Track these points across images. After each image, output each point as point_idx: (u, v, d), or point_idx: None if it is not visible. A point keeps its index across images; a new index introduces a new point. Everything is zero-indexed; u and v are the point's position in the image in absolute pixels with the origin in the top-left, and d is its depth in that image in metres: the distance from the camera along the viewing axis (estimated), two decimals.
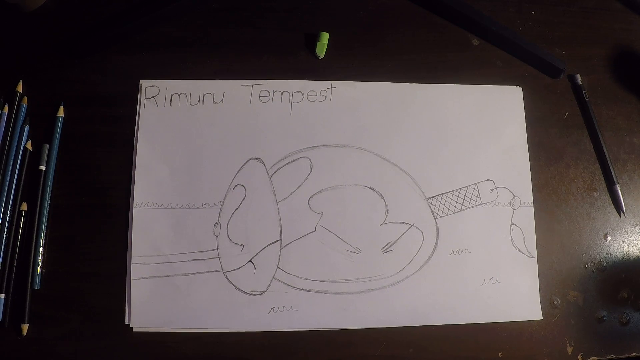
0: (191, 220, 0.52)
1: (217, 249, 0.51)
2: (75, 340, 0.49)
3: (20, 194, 0.52)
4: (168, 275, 0.51)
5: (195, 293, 0.50)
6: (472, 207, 0.54)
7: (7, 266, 0.50)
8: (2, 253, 0.50)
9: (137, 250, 0.51)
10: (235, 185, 0.53)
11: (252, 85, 0.55)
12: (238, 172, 0.53)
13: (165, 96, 0.55)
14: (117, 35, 0.56)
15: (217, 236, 0.52)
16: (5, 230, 0.51)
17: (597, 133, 0.57)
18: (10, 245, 0.50)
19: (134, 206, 0.52)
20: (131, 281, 0.50)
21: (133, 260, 0.51)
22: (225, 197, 0.53)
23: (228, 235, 0.52)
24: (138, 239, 0.51)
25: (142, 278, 0.50)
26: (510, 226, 0.54)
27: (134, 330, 0.50)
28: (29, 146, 0.53)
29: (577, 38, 0.60)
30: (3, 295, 0.49)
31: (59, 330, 0.49)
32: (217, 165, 0.53)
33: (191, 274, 0.51)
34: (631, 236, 0.55)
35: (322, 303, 0.51)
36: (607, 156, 0.56)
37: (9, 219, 0.51)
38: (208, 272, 0.51)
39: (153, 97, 0.55)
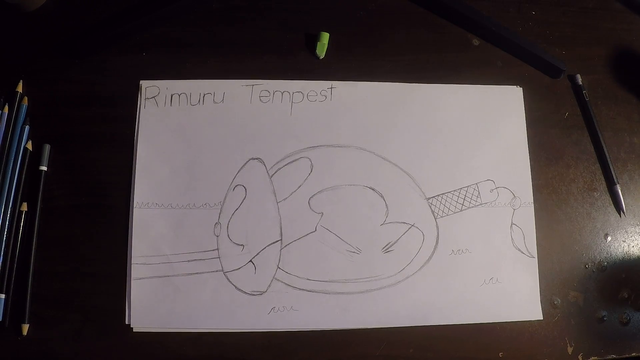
0: (191, 220, 0.52)
1: (218, 249, 0.51)
2: (75, 340, 0.49)
3: (20, 195, 0.52)
4: (168, 276, 0.51)
5: (195, 293, 0.50)
6: (472, 207, 0.54)
7: (8, 266, 0.50)
8: (2, 253, 0.50)
9: (137, 251, 0.51)
10: (236, 186, 0.53)
11: (253, 85, 0.55)
12: (238, 172, 0.53)
13: (165, 96, 0.55)
14: (117, 35, 0.56)
15: (217, 236, 0.52)
16: (6, 230, 0.50)
17: (597, 133, 0.57)
18: (11, 246, 0.50)
19: (134, 206, 0.52)
20: (131, 281, 0.50)
21: (133, 261, 0.51)
22: (225, 197, 0.53)
23: (228, 235, 0.52)
24: (138, 239, 0.51)
25: (143, 278, 0.50)
26: (511, 226, 0.54)
27: (134, 330, 0.50)
28: (29, 146, 0.53)
29: (577, 38, 0.60)
30: (3, 296, 0.49)
31: (59, 330, 0.49)
32: (217, 165, 0.53)
33: (191, 274, 0.51)
34: (631, 236, 0.55)
35: (323, 303, 0.51)
36: (608, 156, 0.56)
37: (9, 219, 0.51)
38: (208, 272, 0.51)
39: (153, 97, 0.55)
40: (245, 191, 0.53)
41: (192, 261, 0.51)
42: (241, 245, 0.52)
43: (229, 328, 0.50)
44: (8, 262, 0.50)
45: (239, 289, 0.51)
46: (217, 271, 0.51)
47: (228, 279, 0.51)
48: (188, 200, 0.52)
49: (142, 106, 0.54)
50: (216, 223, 0.52)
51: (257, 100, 0.55)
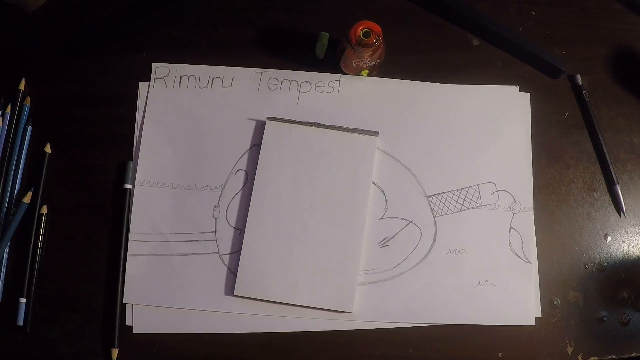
0: (191, 201, 0.52)
1: (215, 231, 0.52)
2: (75, 340, 0.49)
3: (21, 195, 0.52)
4: (164, 255, 0.51)
5: (190, 273, 0.51)
6: (472, 208, 0.54)
7: (28, 270, 0.50)
8: (7, 254, 0.50)
9: (135, 227, 0.51)
10: (238, 170, 0.53)
11: (262, 72, 0.56)
12: (241, 157, 0.53)
13: (174, 77, 0.55)
14: (118, 35, 0.56)
15: (215, 219, 0.52)
16: (11, 229, 0.51)
17: (597, 133, 0.57)
18: (31, 249, 0.50)
19: (135, 183, 0.52)
20: (127, 258, 0.50)
21: (131, 237, 0.51)
22: (226, 181, 0.53)
23: (227, 218, 0.52)
24: (137, 216, 0.52)
25: (139, 255, 0.51)
26: (509, 230, 0.53)
27: (134, 331, 0.50)
28: (48, 149, 0.53)
29: (577, 38, 0.60)
30: (24, 300, 0.49)
31: (59, 330, 0.49)
32: (221, 149, 0.53)
33: (188, 254, 0.51)
34: (631, 236, 0.55)
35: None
36: (607, 156, 0.56)
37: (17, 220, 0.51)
38: (204, 253, 0.51)
39: (163, 77, 0.55)
40: (247, 176, 0.53)
41: (189, 242, 0.51)
42: (239, 229, 0.52)
43: (221, 309, 0.50)
44: (28, 266, 0.50)
45: (233, 272, 0.51)
46: (213, 253, 0.51)
47: (223, 261, 0.51)
48: (189, 181, 0.53)
49: (151, 86, 0.55)
50: (215, 206, 0.52)
51: (265, 87, 0.55)
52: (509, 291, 0.52)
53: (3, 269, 0.50)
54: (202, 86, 0.55)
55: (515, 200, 0.54)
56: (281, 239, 0.51)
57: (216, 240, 0.51)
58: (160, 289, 0.50)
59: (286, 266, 0.50)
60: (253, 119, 0.54)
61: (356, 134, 0.53)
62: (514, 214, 0.54)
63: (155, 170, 0.53)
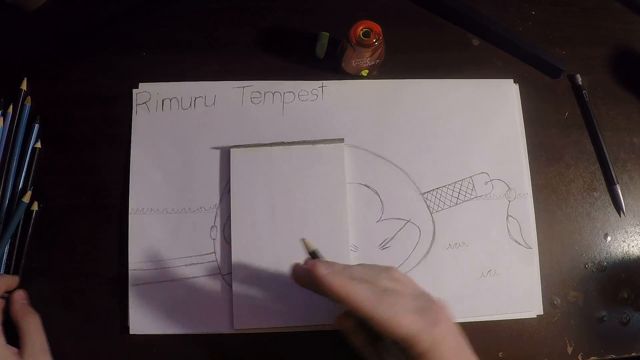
0: (187, 224, 0.52)
1: (214, 252, 0.51)
2: (75, 340, 0.49)
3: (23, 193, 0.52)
4: (166, 281, 0.50)
5: (193, 296, 0.50)
6: (467, 200, 0.54)
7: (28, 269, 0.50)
8: (6, 252, 0.50)
9: (134, 257, 0.51)
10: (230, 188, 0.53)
11: (243, 87, 0.55)
12: (232, 175, 0.53)
13: (156, 102, 0.55)
14: (117, 35, 0.56)
15: (214, 239, 0.52)
16: (11, 227, 0.51)
17: (597, 133, 0.57)
18: (26, 246, 0.51)
19: (129, 212, 0.52)
20: (129, 287, 0.50)
21: (131, 267, 0.51)
22: (220, 200, 0.52)
23: (225, 238, 0.52)
24: (135, 245, 0.51)
25: (140, 284, 0.50)
26: (507, 218, 0.54)
27: (130, 332, 0.49)
28: (38, 145, 0.53)
29: (577, 38, 0.60)
30: None
31: (59, 330, 0.49)
32: (210, 168, 0.53)
33: (189, 278, 0.51)
34: (631, 236, 0.55)
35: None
36: (607, 156, 0.56)
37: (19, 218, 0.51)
38: (206, 275, 0.51)
39: (144, 102, 0.54)
40: None
41: (190, 265, 0.51)
42: None
43: (228, 330, 0.50)
44: (28, 266, 0.50)
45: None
46: (214, 274, 0.51)
47: (226, 281, 0.51)
48: (183, 205, 0.52)
49: (134, 112, 0.54)
50: (212, 226, 0.52)
51: (249, 101, 0.55)
52: (513, 279, 0.52)
53: (3, 269, 0.50)
54: (185, 107, 0.54)
55: (509, 188, 0.54)
56: (269, 267, 0.50)
57: (217, 260, 0.51)
58: (165, 314, 0.50)
59: (280, 292, 0.50)
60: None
61: (322, 145, 0.53)
62: (509, 201, 0.54)
63: (147, 197, 0.52)
